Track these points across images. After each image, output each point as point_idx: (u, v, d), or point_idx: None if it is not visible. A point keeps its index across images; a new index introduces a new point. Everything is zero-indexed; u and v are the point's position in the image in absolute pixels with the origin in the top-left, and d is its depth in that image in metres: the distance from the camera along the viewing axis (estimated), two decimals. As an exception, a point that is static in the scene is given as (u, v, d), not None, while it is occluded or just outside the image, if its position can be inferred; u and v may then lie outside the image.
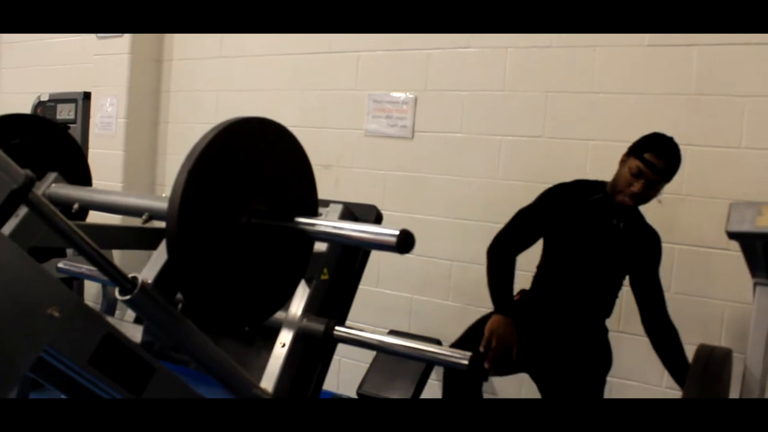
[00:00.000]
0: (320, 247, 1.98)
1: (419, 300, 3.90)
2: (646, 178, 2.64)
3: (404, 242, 1.44)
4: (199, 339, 1.59)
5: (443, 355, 1.86)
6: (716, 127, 3.11)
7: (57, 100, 5.20)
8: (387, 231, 1.45)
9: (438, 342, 3.39)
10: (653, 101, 3.23)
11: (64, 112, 5.13)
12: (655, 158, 2.63)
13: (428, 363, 3.37)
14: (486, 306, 3.48)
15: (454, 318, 3.75)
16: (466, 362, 1.79)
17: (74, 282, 3.98)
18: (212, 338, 1.63)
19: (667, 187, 3.17)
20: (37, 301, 1.25)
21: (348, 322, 2.04)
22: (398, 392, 3.48)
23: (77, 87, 5.11)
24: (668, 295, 2.97)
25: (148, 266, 1.52)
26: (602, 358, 2.87)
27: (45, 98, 5.25)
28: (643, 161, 2.64)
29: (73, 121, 5.04)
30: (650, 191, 2.68)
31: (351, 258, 2.16)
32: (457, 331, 3.67)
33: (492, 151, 3.64)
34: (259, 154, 1.57)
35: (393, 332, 3.51)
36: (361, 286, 2.39)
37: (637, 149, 2.69)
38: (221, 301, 1.53)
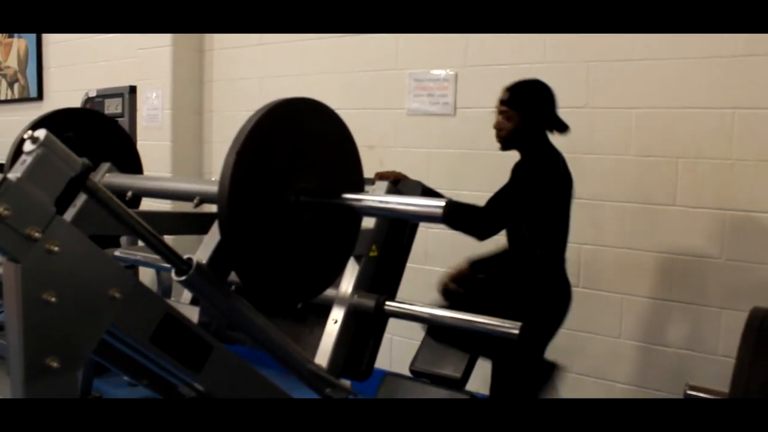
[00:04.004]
0: (368, 224, 2.01)
1: (468, 276, 3.89)
2: (497, 111, 2.81)
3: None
4: (253, 317, 1.63)
5: (494, 325, 1.88)
6: (765, 88, 3.04)
7: (104, 95, 5.31)
8: (433, 202, 1.48)
9: (488, 316, 3.40)
10: (697, 65, 3.16)
11: (112, 107, 5.24)
12: (502, 93, 2.82)
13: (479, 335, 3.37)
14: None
15: (503, 293, 3.75)
16: (516, 332, 1.81)
17: (129, 271, 4.08)
18: (266, 317, 1.68)
19: (716, 152, 3.10)
20: (100, 284, 1.30)
21: (398, 299, 2.07)
22: (451, 368, 3.49)
23: (123, 81, 5.21)
24: (720, 262, 2.94)
25: (201, 248, 1.56)
26: None
27: (93, 94, 5.38)
28: None
29: (121, 115, 5.14)
30: (504, 122, 2.80)
31: (399, 234, 2.18)
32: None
33: (535, 124, 3.61)
34: (304, 134, 1.60)
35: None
36: (409, 264, 2.41)
37: None
38: (273, 279, 1.57)
